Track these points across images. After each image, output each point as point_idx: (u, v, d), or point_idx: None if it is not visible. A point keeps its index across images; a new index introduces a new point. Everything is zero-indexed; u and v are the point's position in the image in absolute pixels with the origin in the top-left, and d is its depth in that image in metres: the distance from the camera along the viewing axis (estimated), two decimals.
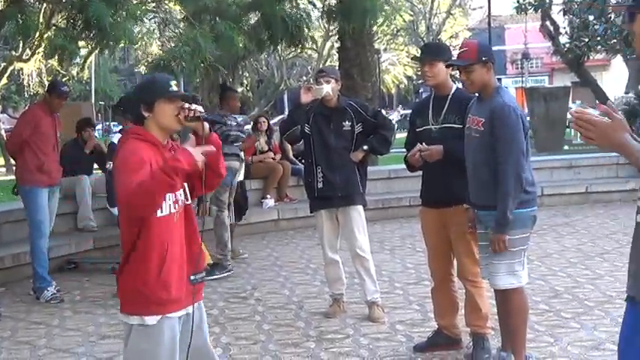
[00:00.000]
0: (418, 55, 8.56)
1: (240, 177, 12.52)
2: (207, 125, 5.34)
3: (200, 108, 5.30)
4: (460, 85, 8.49)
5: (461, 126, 7.58)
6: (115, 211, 10.96)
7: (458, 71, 7.44)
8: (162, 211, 5.13)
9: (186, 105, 5.19)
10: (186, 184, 5.38)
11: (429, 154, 7.69)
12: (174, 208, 5.21)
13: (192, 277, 5.33)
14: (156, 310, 5.19)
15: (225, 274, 11.86)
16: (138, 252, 5.21)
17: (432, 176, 7.95)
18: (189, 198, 5.44)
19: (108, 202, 11.30)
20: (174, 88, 5.33)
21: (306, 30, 15.41)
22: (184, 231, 5.34)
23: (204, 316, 5.70)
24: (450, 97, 7.86)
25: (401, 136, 19.54)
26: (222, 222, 12.09)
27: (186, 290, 5.31)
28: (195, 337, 5.47)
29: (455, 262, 8.00)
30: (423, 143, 7.77)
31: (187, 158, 4.91)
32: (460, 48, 7.44)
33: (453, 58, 7.59)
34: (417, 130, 8.07)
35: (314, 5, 17.36)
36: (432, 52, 8.20)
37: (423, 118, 8.03)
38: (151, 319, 5.19)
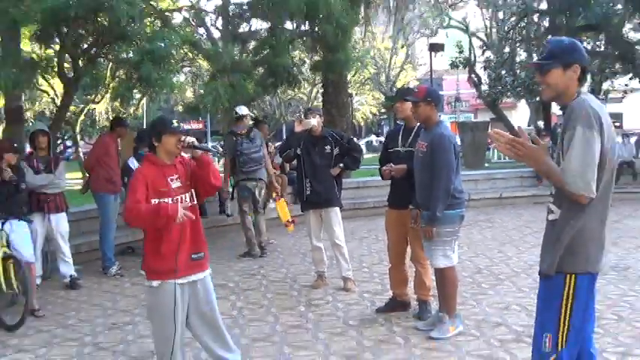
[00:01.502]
0: (382, 98, 8.68)
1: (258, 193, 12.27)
2: (199, 151, 5.71)
3: (192, 139, 5.70)
4: None
5: None
6: None
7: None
8: None
9: (183, 137, 5.63)
10: (193, 191, 5.74)
11: (396, 172, 7.85)
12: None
13: (193, 256, 5.64)
14: (156, 277, 5.56)
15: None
16: (146, 236, 5.68)
17: (397, 188, 8.05)
18: (196, 200, 5.76)
19: None
20: (175, 125, 5.95)
21: (299, 76, 15.50)
22: (189, 224, 5.60)
23: (211, 287, 5.85)
24: (415, 128, 7.92)
25: (368, 156, 19.59)
26: (245, 224, 12.16)
27: (187, 264, 5.59)
28: (200, 302, 5.73)
29: (409, 250, 8.08)
30: (391, 164, 7.95)
31: (173, 211, 5.33)
32: (416, 89, 7.73)
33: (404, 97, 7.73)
34: (389, 150, 8.18)
35: (304, 62, 17.39)
36: (402, 93, 8.40)
37: (394, 142, 8.14)
38: (154, 282, 5.56)
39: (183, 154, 5.79)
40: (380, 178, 8.45)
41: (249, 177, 11.95)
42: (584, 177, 3.78)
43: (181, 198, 5.58)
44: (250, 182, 11.97)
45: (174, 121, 6.07)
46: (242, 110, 12.33)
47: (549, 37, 28.91)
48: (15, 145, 9.43)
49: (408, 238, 7.97)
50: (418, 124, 7.89)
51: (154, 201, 5.42)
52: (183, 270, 5.54)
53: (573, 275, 3.91)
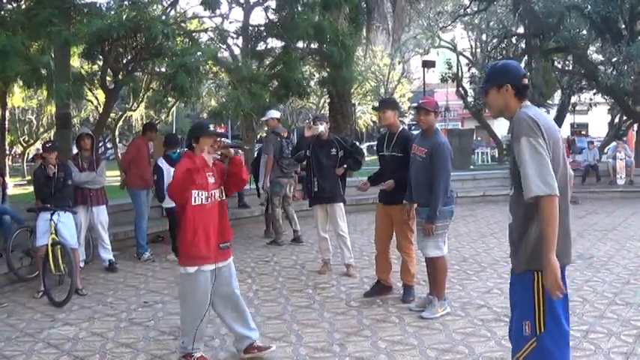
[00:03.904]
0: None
1: (289, 189, 12.21)
2: (232, 150, 5.82)
3: (227, 140, 5.89)
4: (406, 126, 8.59)
5: (402, 155, 7.72)
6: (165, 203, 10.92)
7: (415, 110, 7.42)
8: (194, 202, 5.59)
9: (218, 139, 5.74)
10: (223, 187, 5.83)
11: (387, 186, 7.83)
12: (207, 201, 5.64)
13: (221, 245, 5.71)
14: (192, 262, 5.60)
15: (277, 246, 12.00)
16: (182, 227, 5.66)
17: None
18: (225, 196, 5.85)
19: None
20: (212, 129, 5.99)
21: (308, 89, 15.51)
22: (218, 217, 5.73)
23: (234, 272, 5.98)
24: (397, 134, 7.88)
25: (369, 158, 19.63)
26: (275, 216, 12.11)
27: (216, 252, 5.67)
28: (225, 285, 5.83)
29: (393, 239, 8.05)
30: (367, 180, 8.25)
31: (202, 161, 5.62)
32: (424, 99, 7.59)
33: (419, 104, 7.44)
34: (379, 153, 8.12)
35: (314, 75, 17.39)
36: (385, 103, 8.24)
37: (381, 146, 8.07)
38: (191, 269, 5.59)
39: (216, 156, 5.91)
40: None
41: (285, 175, 11.86)
42: (543, 179, 3.66)
43: (213, 194, 5.70)
44: (284, 179, 11.87)
45: (211, 125, 6.27)
46: (273, 114, 12.28)
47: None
48: (47, 145, 9.63)
49: (394, 230, 7.93)
50: (400, 130, 7.93)
51: (194, 192, 5.58)
52: (213, 257, 5.65)
53: (541, 272, 3.80)
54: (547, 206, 3.69)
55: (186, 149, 6.13)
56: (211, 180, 5.70)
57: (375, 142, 9.17)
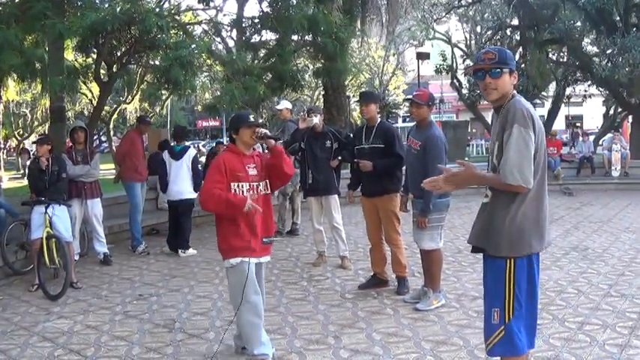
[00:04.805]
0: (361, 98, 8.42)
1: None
2: (272, 141, 5.59)
3: (266, 131, 5.63)
4: (401, 118, 8.57)
5: (383, 146, 7.76)
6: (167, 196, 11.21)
7: (409, 103, 7.36)
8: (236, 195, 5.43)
9: (257, 129, 5.55)
10: (268, 181, 5.70)
11: (362, 166, 7.84)
12: (249, 194, 5.46)
13: (264, 239, 5.60)
14: (234, 254, 5.46)
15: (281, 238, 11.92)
16: (223, 220, 5.53)
17: (365, 179, 8.03)
18: (269, 189, 5.72)
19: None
20: (252, 120, 5.70)
21: (302, 81, 15.49)
22: (263, 209, 5.55)
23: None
24: (375, 126, 7.91)
25: None
26: (284, 206, 12.16)
27: (260, 246, 5.55)
28: (261, 285, 5.68)
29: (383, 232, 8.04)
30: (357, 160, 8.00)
31: (241, 202, 5.34)
32: (418, 91, 7.44)
33: (412, 96, 7.40)
34: (356, 147, 8.09)
35: (308, 67, 17.35)
36: (369, 97, 8.20)
37: (359, 139, 8.05)
38: (234, 260, 5.46)
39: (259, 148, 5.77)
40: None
41: (301, 165, 11.80)
42: (521, 169, 3.79)
43: (254, 186, 5.55)
44: (298, 170, 11.81)
45: (251, 116, 5.92)
46: (286, 104, 12.23)
47: (495, 45, 29.19)
48: (38, 138, 9.78)
49: (382, 221, 7.92)
50: (378, 122, 7.94)
51: (233, 184, 5.43)
52: (257, 250, 5.54)
53: (512, 259, 3.95)
54: (509, 189, 3.89)
55: (187, 143, 5.99)
56: (252, 172, 5.56)
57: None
